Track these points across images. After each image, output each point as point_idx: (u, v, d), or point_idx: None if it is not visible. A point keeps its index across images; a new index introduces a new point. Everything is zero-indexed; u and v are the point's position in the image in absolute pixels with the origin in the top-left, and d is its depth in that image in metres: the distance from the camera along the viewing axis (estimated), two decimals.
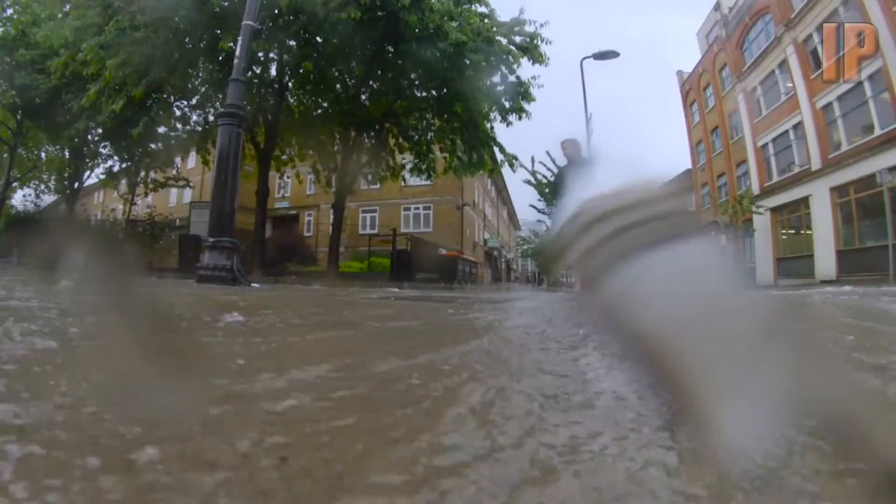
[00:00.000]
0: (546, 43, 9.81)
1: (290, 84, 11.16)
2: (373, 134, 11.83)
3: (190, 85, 10.93)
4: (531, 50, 9.72)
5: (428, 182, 16.27)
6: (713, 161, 24.20)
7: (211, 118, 11.65)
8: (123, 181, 18.03)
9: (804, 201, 16.49)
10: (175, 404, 0.48)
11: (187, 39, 9.31)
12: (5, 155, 18.12)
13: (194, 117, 12.39)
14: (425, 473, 0.34)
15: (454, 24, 9.05)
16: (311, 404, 0.50)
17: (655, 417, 0.45)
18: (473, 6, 10.11)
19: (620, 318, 0.39)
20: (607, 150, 5.04)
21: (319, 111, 11.81)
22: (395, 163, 12.96)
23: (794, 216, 17.63)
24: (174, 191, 22.28)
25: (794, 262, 17.29)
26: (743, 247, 20.85)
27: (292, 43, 9.56)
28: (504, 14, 10.93)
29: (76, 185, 17.94)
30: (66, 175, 17.45)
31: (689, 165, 29.68)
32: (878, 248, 12.84)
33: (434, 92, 10.88)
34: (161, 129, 12.54)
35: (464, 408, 0.52)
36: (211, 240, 4.53)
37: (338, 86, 11.34)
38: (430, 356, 0.85)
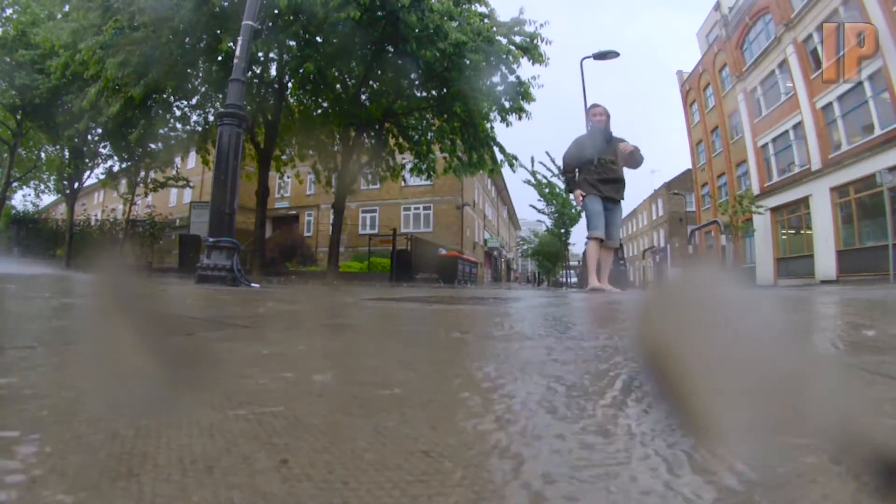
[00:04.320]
0: (546, 43, 9.83)
1: (290, 84, 11.17)
2: (373, 134, 11.84)
3: (190, 85, 10.93)
4: (531, 50, 9.73)
5: (428, 182, 16.29)
6: (713, 161, 24.25)
7: (211, 118, 11.66)
8: (123, 181, 18.05)
9: (804, 201, 16.51)
10: None
11: (187, 39, 9.31)
12: (5, 155, 18.13)
13: (194, 117, 12.40)
14: None
15: (454, 23, 9.06)
16: None
17: None
18: (473, 6, 10.12)
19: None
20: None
21: (319, 111, 11.82)
22: (395, 163, 12.97)
23: (794, 216, 17.66)
24: (174, 191, 22.31)
25: (794, 262, 17.33)
26: (743, 247, 20.87)
27: (292, 43, 9.57)
28: (504, 14, 10.96)
29: (76, 185, 17.95)
30: (65, 175, 17.46)
31: (689, 165, 29.75)
32: (878, 248, 12.86)
33: (434, 92, 10.89)
34: (161, 130, 12.56)
35: None
36: (211, 240, 4.53)
37: (338, 86, 11.34)
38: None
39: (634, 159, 4.88)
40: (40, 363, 0.72)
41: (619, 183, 4.90)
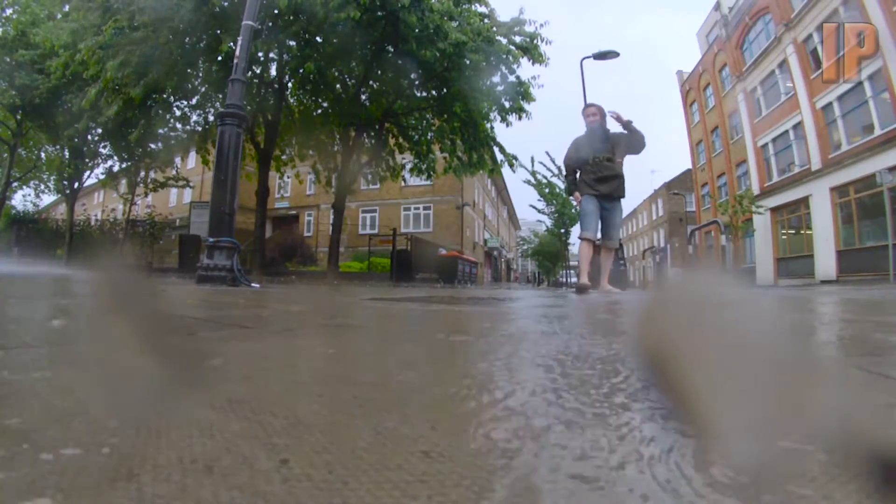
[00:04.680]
0: (546, 43, 9.82)
1: (290, 84, 11.17)
2: (373, 134, 11.83)
3: (189, 85, 10.93)
4: (531, 50, 9.72)
5: (428, 182, 16.29)
6: (713, 161, 24.25)
7: (211, 118, 11.66)
8: (123, 181, 18.06)
9: (804, 201, 16.51)
10: None
11: (187, 39, 9.31)
12: (5, 155, 18.14)
13: (194, 117, 12.40)
14: None
15: (454, 24, 9.06)
16: None
17: None
18: (473, 6, 10.12)
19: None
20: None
21: (319, 111, 11.81)
22: (395, 163, 12.96)
23: (794, 216, 17.66)
24: (174, 191, 22.32)
25: (794, 262, 17.32)
26: (743, 247, 20.87)
27: (292, 43, 9.57)
28: (504, 14, 10.95)
29: (76, 185, 17.95)
30: (65, 175, 17.47)
31: (689, 165, 29.77)
32: (878, 248, 12.86)
33: (434, 92, 10.88)
34: (161, 130, 12.57)
35: None
36: (211, 240, 4.53)
37: (338, 86, 11.34)
38: None
39: (635, 139, 4.73)
40: (41, 363, 0.72)
41: (616, 179, 4.80)
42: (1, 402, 0.50)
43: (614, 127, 4.89)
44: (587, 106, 5.09)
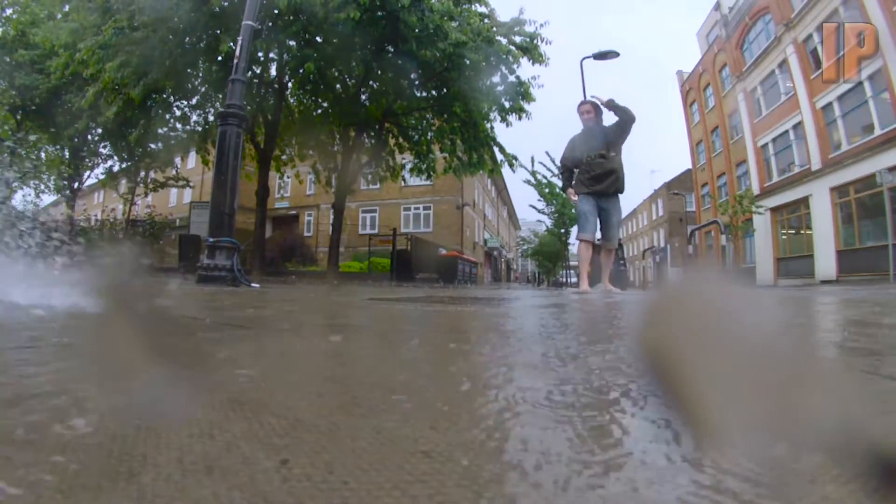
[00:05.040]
0: (546, 43, 9.83)
1: (290, 84, 11.17)
2: (373, 134, 11.84)
3: (189, 85, 10.93)
4: (531, 50, 9.73)
5: (428, 182, 16.29)
6: (713, 161, 24.24)
7: (211, 118, 11.66)
8: (123, 181, 18.06)
9: (804, 201, 16.51)
10: None
11: (187, 39, 9.31)
12: (5, 155, 18.12)
13: (194, 117, 12.40)
14: None
15: (454, 24, 9.06)
16: None
17: None
18: (473, 6, 10.13)
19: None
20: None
21: (319, 111, 11.82)
22: (395, 163, 12.97)
23: (794, 216, 17.66)
24: (174, 191, 22.33)
25: (794, 262, 17.32)
26: (743, 247, 20.87)
27: (292, 43, 9.57)
28: (504, 14, 10.96)
29: (76, 185, 17.95)
30: (65, 175, 17.47)
31: (689, 165, 29.79)
32: (878, 248, 12.85)
33: (434, 92, 10.89)
34: (161, 130, 12.58)
35: None
36: (211, 240, 4.53)
37: (338, 86, 11.34)
38: None
39: (622, 116, 4.59)
40: (42, 363, 0.72)
41: (611, 175, 4.69)
42: (5, 402, 0.50)
43: (611, 121, 4.81)
44: (581, 103, 4.97)
